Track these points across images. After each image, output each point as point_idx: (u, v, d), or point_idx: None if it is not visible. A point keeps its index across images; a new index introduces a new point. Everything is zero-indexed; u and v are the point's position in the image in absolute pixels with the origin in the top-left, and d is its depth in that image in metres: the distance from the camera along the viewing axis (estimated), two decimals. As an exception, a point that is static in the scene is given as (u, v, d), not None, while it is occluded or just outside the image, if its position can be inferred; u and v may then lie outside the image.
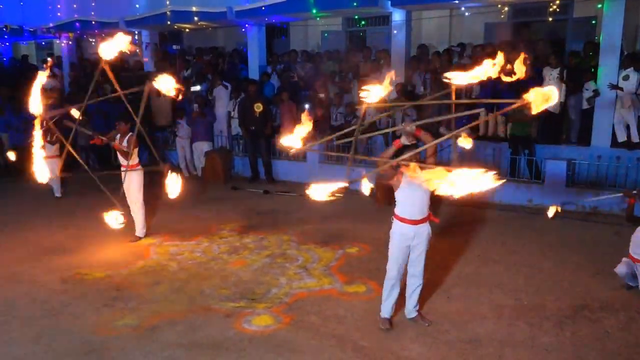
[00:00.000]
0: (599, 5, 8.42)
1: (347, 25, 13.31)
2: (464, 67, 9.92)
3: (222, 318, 4.65)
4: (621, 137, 8.25)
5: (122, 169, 6.41)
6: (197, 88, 11.15)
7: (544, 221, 7.23)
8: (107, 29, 13.07)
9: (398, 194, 4.17)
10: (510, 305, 4.83)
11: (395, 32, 9.89)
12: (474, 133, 8.36)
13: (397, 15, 9.81)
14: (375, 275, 5.50)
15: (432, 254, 6.01)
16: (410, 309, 4.51)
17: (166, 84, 4.79)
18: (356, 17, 12.32)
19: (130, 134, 6.32)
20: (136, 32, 13.23)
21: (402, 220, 4.21)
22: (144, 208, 6.78)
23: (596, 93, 8.21)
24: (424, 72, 9.75)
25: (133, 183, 6.54)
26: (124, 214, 5.47)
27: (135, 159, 6.55)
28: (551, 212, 5.54)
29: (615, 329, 4.38)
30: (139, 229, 6.81)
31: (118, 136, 6.57)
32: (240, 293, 5.14)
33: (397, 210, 4.24)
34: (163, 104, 10.10)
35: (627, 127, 8.20)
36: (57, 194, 8.92)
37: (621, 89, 8.05)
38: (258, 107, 9.57)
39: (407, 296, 4.49)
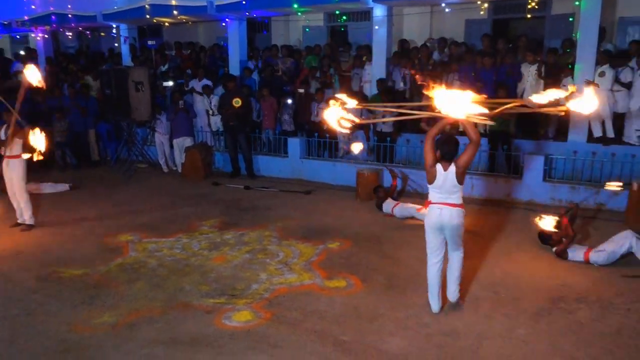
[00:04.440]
0: (576, 3, 8.54)
1: (328, 21, 13.30)
2: (444, 65, 10.04)
3: (202, 314, 4.62)
4: (597, 133, 8.41)
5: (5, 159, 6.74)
6: (170, 84, 11.04)
7: (522, 215, 7.38)
8: (84, 22, 12.87)
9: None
10: (488, 298, 4.89)
11: (376, 27, 9.90)
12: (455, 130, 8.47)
13: (378, 11, 9.83)
14: (356, 270, 5.53)
15: (410, 249, 6.10)
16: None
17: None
18: (337, 12, 12.31)
19: (6, 125, 6.64)
20: (114, 26, 13.04)
21: None
22: (29, 196, 6.98)
23: (574, 90, 8.32)
24: (404, 68, 9.80)
25: (15, 172, 6.76)
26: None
27: (17, 150, 6.73)
28: (613, 186, 6.33)
29: (589, 319, 4.47)
30: (28, 217, 6.99)
31: (4, 127, 6.78)
32: (220, 289, 5.11)
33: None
34: (142, 99, 9.97)
35: (603, 123, 8.35)
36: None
37: (597, 85, 8.18)
38: (237, 102, 9.51)
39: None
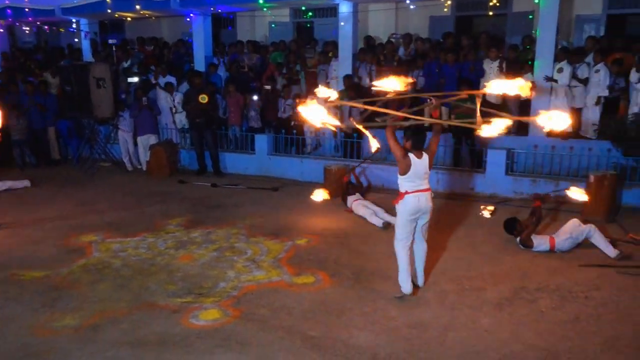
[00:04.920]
0: (536, 1, 8.78)
1: (294, 17, 13.27)
2: (409, 61, 10.10)
3: (168, 314, 4.56)
4: (556, 127, 8.67)
5: None
6: (135, 79, 10.81)
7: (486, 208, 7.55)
8: (42, 16, 12.45)
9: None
10: (454, 290, 5.00)
11: (342, 23, 9.94)
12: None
13: (344, 7, 9.87)
14: (324, 266, 5.56)
15: (376, 243, 6.17)
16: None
17: None
18: (303, 8, 12.29)
19: None
20: (74, 20, 12.66)
21: None
22: None
23: (533, 85, 8.57)
24: (370, 64, 9.86)
25: None
26: None
27: None
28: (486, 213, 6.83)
29: (550, 308, 4.63)
30: None
31: None
32: (187, 288, 5.06)
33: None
34: (104, 96, 9.72)
35: (561, 118, 8.62)
36: None
37: (556, 81, 8.45)
38: (203, 99, 9.38)
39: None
